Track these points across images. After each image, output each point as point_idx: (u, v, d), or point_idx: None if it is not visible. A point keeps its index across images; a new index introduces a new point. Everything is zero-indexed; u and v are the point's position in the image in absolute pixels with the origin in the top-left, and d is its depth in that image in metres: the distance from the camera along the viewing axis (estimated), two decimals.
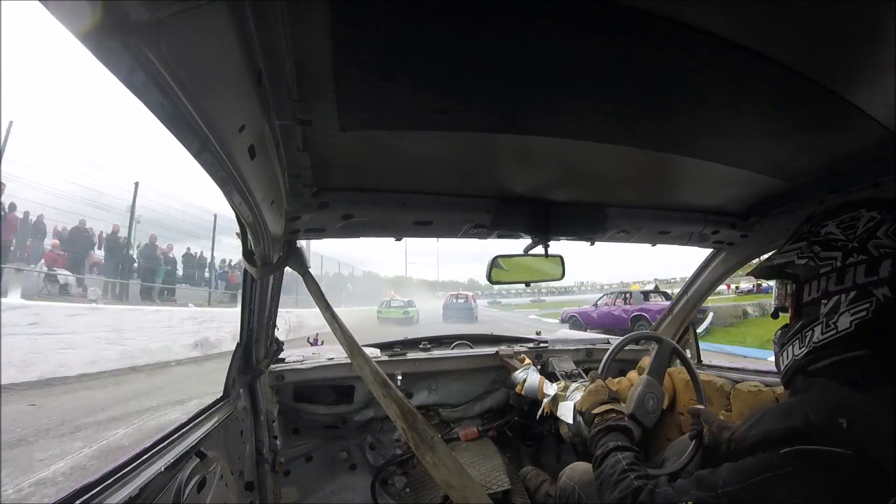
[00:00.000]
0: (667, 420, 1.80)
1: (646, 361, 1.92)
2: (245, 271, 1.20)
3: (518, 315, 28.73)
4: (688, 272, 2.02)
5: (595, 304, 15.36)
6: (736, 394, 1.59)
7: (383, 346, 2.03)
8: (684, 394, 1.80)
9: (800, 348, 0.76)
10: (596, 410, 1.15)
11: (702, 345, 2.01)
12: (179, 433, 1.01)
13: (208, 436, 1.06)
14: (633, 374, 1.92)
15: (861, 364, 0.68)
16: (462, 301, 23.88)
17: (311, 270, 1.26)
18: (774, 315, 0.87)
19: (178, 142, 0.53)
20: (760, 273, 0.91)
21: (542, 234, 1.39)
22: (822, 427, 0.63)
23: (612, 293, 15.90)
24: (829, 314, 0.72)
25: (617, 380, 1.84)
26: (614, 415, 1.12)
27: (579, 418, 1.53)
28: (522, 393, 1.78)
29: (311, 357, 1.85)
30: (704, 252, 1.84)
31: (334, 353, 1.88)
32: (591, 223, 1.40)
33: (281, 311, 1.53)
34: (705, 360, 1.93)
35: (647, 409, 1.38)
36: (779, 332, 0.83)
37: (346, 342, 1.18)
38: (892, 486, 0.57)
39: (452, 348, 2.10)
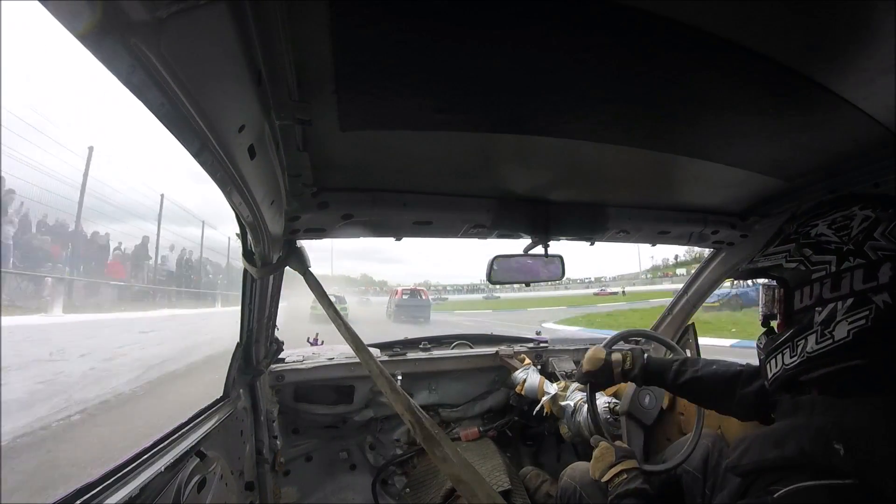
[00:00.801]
0: (667, 420, 1.80)
1: None
2: (245, 271, 1.20)
3: (486, 319, 22.20)
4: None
5: None
6: None
7: (383, 346, 2.03)
8: None
9: (791, 357, 0.71)
10: (606, 477, 1.10)
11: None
12: (179, 433, 1.01)
13: (208, 436, 1.06)
14: None
15: (858, 373, 0.65)
16: (407, 297, 20.38)
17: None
18: (764, 323, 0.81)
19: (178, 142, 0.53)
20: (741, 275, 0.86)
21: (542, 234, 1.38)
22: (819, 457, 0.59)
23: None
24: (824, 323, 0.67)
25: None
26: (625, 476, 1.08)
27: (579, 418, 1.53)
28: (522, 393, 1.78)
29: (311, 357, 1.85)
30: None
31: (334, 353, 1.89)
32: (591, 223, 1.40)
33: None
34: None
35: (644, 405, 1.38)
36: (764, 339, 0.79)
37: (351, 339, 1.18)
38: None
39: (452, 348, 2.10)
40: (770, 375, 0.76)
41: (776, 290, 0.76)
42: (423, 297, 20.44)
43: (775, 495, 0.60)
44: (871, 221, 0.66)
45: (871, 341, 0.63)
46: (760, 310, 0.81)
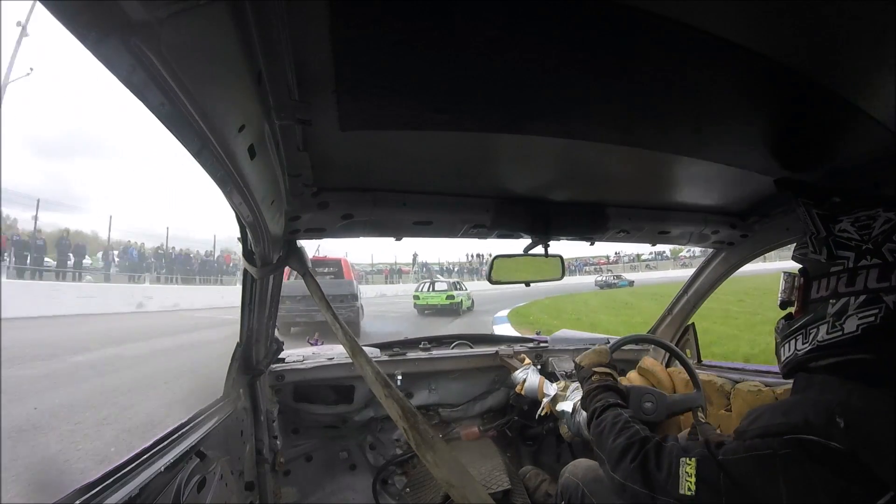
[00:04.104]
0: (666, 420, 1.79)
1: (647, 362, 1.92)
2: (245, 271, 1.20)
3: None
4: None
5: None
6: (736, 394, 1.59)
7: (383, 346, 2.03)
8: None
9: (803, 343, 0.75)
10: (597, 369, 1.14)
11: None
12: (179, 433, 1.01)
13: (208, 436, 1.06)
14: (633, 374, 1.92)
15: (863, 367, 0.68)
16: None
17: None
18: (782, 307, 0.84)
19: (178, 142, 0.53)
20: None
21: (542, 234, 1.39)
22: (820, 427, 0.63)
23: None
24: (836, 315, 0.70)
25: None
26: (612, 380, 1.12)
27: (579, 418, 1.53)
28: (522, 393, 1.78)
29: (311, 357, 1.85)
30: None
31: (334, 353, 1.88)
32: (591, 223, 1.40)
33: None
34: None
35: (645, 411, 1.38)
36: (781, 323, 0.82)
37: (348, 342, 1.18)
38: (881, 489, 0.58)
39: (452, 348, 2.10)
40: (783, 359, 0.80)
41: (796, 278, 0.80)
42: (346, 277, 10.55)
43: (783, 437, 0.65)
44: (892, 224, 0.69)
45: (878, 338, 0.66)
46: (779, 295, 0.84)
